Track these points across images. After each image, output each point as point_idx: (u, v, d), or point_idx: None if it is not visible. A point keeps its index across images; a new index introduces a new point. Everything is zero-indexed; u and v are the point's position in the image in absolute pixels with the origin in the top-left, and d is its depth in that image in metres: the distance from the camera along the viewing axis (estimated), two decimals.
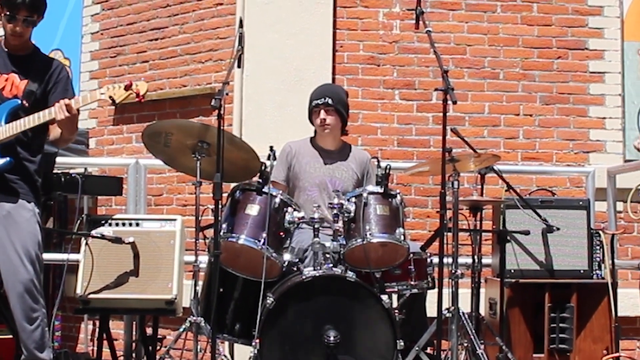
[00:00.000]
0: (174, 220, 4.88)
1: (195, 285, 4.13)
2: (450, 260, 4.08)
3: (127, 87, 3.73)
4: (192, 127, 4.12)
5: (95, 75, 7.03)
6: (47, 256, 4.33)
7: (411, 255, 4.07)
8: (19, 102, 3.80)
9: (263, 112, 5.96)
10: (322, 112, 4.52)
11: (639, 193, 3.91)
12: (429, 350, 4.18)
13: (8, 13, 3.76)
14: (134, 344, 5.17)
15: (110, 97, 3.76)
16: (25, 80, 3.85)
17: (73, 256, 4.81)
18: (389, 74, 6.11)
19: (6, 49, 3.89)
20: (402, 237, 3.92)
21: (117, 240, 4.69)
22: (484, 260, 4.82)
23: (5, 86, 3.83)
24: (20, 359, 3.86)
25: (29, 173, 3.85)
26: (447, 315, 4.02)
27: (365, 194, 3.97)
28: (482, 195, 4.77)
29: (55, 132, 3.90)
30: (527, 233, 4.86)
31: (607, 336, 4.84)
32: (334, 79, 5.97)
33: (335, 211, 3.91)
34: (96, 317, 5.40)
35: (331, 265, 3.79)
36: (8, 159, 3.74)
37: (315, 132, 4.65)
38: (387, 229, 3.91)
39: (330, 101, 4.52)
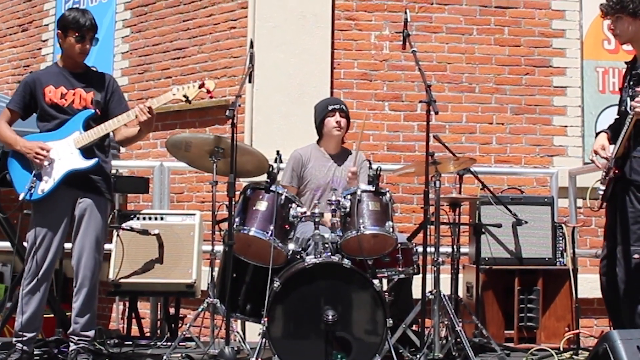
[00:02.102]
0: (194, 214, 4.90)
1: (212, 271, 4.13)
2: (432, 249, 4.07)
3: (201, 86, 3.80)
4: (206, 139, 4.11)
5: (125, 90, 6.95)
6: None
7: (399, 245, 4.06)
8: (93, 111, 3.82)
9: (271, 121, 5.96)
10: (338, 114, 4.54)
11: (596, 191, 3.90)
12: (414, 328, 4.17)
13: (77, 34, 3.80)
14: (159, 322, 5.18)
15: (184, 95, 3.79)
16: (91, 92, 3.85)
17: (106, 246, 4.79)
18: (379, 88, 6.12)
19: (65, 69, 3.90)
20: (391, 229, 3.92)
21: (144, 232, 4.71)
22: (462, 250, 4.81)
23: (74, 100, 3.84)
24: (63, 333, 3.87)
25: (105, 172, 3.90)
26: (430, 297, 4.01)
27: (359, 192, 3.96)
28: (460, 193, 4.77)
29: (123, 133, 3.93)
30: (499, 226, 4.87)
31: (569, 315, 4.85)
32: (332, 93, 5.97)
33: (333, 207, 3.90)
34: (126, 298, 5.41)
35: (330, 253, 3.78)
36: (96, 159, 3.77)
37: (319, 139, 4.65)
38: (378, 222, 3.90)
39: (344, 107, 4.58)
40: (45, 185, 3.71)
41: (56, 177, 3.72)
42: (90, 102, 3.85)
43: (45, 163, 3.72)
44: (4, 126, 3.84)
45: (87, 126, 3.79)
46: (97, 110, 3.83)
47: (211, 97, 3.99)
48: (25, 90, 3.86)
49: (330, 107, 4.56)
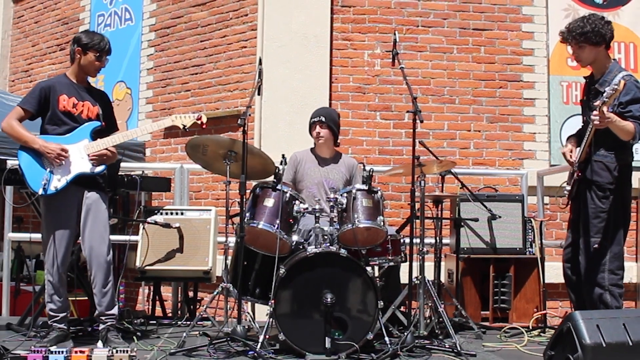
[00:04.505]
0: (210, 210, 4.90)
1: (226, 259, 4.13)
2: (418, 240, 4.08)
3: (199, 119, 4.00)
4: (223, 141, 4.11)
5: (150, 101, 7.03)
6: (113, 237, 4.33)
7: (389, 236, 4.05)
8: (100, 123, 3.86)
9: (277, 128, 5.96)
10: (317, 127, 4.52)
11: (563, 190, 3.91)
12: (402, 309, 4.17)
13: (98, 54, 3.85)
14: (179, 304, 5.18)
15: (182, 124, 3.97)
16: (97, 106, 3.88)
17: (133, 237, 4.82)
18: (372, 100, 6.12)
19: (75, 82, 3.90)
20: (382, 223, 3.91)
21: (167, 225, 4.71)
22: (444, 241, 4.83)
23: (83, 111, 3.86)
24: (94, 314, 3.87)
25: (104, 175, 3.91)
26: (416, 282, 4.02)
27: (354, 190, 3.95)
28: (442, 191, 4.77)
29: None
30: (476, 220, 4.86)
31: (537, 298, 4.85)
32: (330, 104, 5.97)
33: (331, 203, 3.90)
34: (151, 283, 5.41)
35: (328, 244, 3.77)
36: (104, 166, 3.81)
37: (315, 143, 4.64)
38: (371, 217, 3.90)
39: (323, 119, 4.50)
40: (58, 183, 3.71)
41: (68, 177, 3.73)
42: (96, 114, 3.88)
43: (63, 163, 3.72)
44: (18, 124, 3.76)
45: (93, 136, 3.81)
46: (103, 123, 3.88)
47: (203, 128, 4.11)
48: (41, 95, 3.80)
49: (311, 120, 4.55)
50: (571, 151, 3.89)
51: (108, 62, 3.97)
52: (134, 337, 3.91)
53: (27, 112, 3.80)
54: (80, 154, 3.76)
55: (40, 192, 3.64)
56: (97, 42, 3.85)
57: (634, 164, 3.84)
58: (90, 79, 4.04)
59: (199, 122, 3.99)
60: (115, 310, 3.80)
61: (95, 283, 3.75)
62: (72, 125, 3.81)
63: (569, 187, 3.85)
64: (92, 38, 3.86)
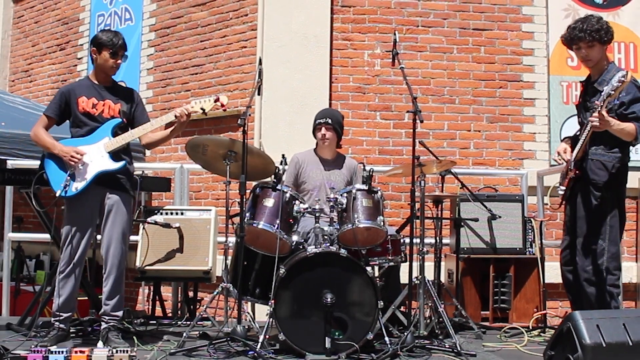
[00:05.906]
0: (210, 210, 4.91)
1: (226, 259, 4.13)
2: (418, 240, 4.08)
3: (216, 100, 3.91)
4: (222, 141, 4.11)
5: (150, 101, 7.02)
6: None
7: (389, 236, 4.05)
8: (121, 120, 3.88)
9: (277, 128, 5.96)
10: (323, 128, 4.52)
11: (557, 190, 3.91)
12: (402, 309, 4.17)
13: (111, 51, 3.85)
14: (179, 304, 5.18)
15: (201, 108, 3.90)
16: (118, 104, 3.89)
17: (133, 237, 4.81)
18: (372, 100, 6.11)
19: (96, 83, 3.93)
20: (382, 223, 3.91)
21: (167, 225, 4.71)
22: (444, 241, 4.83)
23: (104, 110, 3.87)
24: (98, 312, 3.88)
25: (130, 173, 3.93)
26: (416, 282, 4.02)
27: (354, 191, 3.96)
28: (442, 191, 4.77)
29: (151, 137, 3.99)
30: (476, 220, 4.87)
31: (537, 298, 4.85)
32: (330, 104, 5.97)
33: (331, 203, 3.90)
34: (151, 283, 5.41)
35: (328, 244, 3.77)
36: (123, 162, 3.83)
37: (317, 144, 4.64)
38: (371, 217, 3.90)
39: (329, 121, 4.51)
40: (79, 184, 3.74)
41: (88, 177, 3.74)
42: (117, 112, 3.89)
43: (79, 165, 3.74)
44: (42, 132, 3.88)
45: (114, 133, 3.83)
46: (124, 120, 3.89)
47: (224, 110, 4.03)
48: (61, 100, 3.88)
49: (316, 122, 4.56)
50: (564, 151, 3.89)
51: (127, 58, 3.97)
52: (134, 337, 3.91)
53: (50, 118, 3.91)
54: (100, 152, 3.79)
55: (59, 193, 3.68)
56: (109, 39, 3.85)
57: (633, 164, 3.85)
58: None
59: (218, 103, 3.93)
60: (120, 313, 3.82)
61: (107, 283, 3.77)
62: (93, 126, 3.84)
63: (563, 188, 3.84)
64: (104, 36, 3.88)
